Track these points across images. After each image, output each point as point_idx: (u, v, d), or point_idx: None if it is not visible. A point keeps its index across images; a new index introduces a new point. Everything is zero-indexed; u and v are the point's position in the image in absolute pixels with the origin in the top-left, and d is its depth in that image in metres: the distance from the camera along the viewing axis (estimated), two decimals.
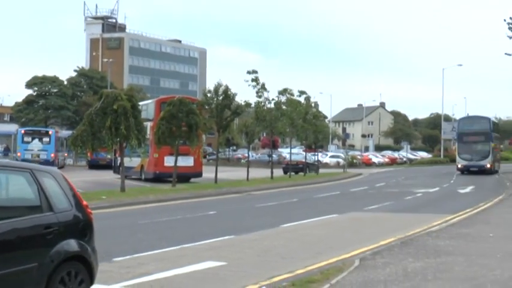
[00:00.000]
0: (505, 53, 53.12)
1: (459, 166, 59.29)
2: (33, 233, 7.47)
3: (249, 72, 42.10)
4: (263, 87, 42.44)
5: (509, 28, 51.84)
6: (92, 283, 8.28)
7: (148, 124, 36.83)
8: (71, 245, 7.94)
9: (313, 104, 52.46)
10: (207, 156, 57.93)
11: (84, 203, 8.69)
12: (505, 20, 51.34)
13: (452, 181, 45.14)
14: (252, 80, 41.71)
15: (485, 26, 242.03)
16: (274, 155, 56.82)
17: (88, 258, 8.17)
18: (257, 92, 42.66)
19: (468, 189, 37.75)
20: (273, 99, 44.72)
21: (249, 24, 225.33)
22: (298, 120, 47.71)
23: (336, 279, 10.50)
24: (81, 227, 8.37)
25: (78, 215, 8.35)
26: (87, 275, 8.12)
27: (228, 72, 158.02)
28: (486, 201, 27.77)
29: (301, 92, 48.81)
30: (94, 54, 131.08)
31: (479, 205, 26.01)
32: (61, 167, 57.10)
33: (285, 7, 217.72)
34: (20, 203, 7.84)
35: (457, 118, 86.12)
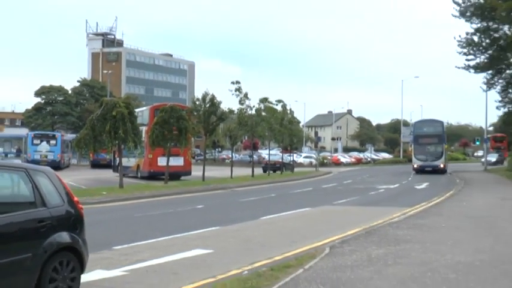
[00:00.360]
0: (455, 66, 53.58)
1: (415, 166, 55.87)
2: (27, 226, 7.51)
3: (232, 83, 42.14)
4: (245, 96, 42.56)
5: (459, 45, 52.35)
6: (82, 271, 8.39)
7: (144, 128, 36.72)
8: (63, 237, 7.98)
9: (288, 111, 52.57)
10: (196, 157, 57.79)
11: (75, 199, 8.70)
12: (454, 38, 51.84)
13: (410, 178, 45.61)
14: (236, 90, 41.79)
15: (439, 42, 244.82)
16: (254, 156, 56.82)
17: (79, 248, 8.23)
18: (240, 100, 42.72)
19: (424, 185, 37.96)
20: (254, 106, 44.77)
21: (231, 40, 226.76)
22: (276, 125, 47.92)
23: (309, 265, 10.64)
24: (72, 221, 8.36)
25: (69, 210, 8.36)
26: (78, 264, 8.18)
27: (213, 82, 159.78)
28: (439, 196, 27.94)
29: (278, 101, 49.03)
30: (95, 66, 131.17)
31: (433, 199, 26.16)
32: (66, 167, 57.38)
33: (262, 25, 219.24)
34: (16, 199, 7.89)
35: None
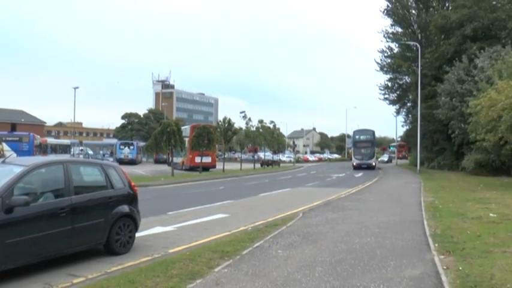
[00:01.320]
0: (379, 98, 54.75)
1: (354, 164, 48.90)
2: (101, 202, 7.51)
3: (241, 112, 42.98)
4: (249, 119, 43.11)
5: (379, 88, 54.38)
6: (136, 230, 8.27)
7: (187, 139, 36.44)
8: (124, 208, 7.90)
9: (277, 128, 52.56)
10: (219, 156, 57.54)
11: (133, 184, 8.47)
12: (377, 85, 52.94)
13: (351, 171, 45.12)
14: (243, 116, 42.42)
15: (369, 84, 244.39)
16: (255, 156, 56.56)
17: (134, 216, 8.11)
18: (246, 122, 43.32)
19: (360, 174, 37.65)
20: (254, 125, 45.04)
21: (240, 83, 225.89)
22: (268, 137, 48.00)
23: (289, 223, 10.59)
24: (130, 198, 8.17)
25: (129, 191, 8.20)
26: (133, 226, 8.10)
27: (229, 110, 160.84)
28: (369, 181, 27.78)
29: (271, 121, 49.83)
30: (157, 101, 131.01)
31: (365, 183, 25.99)
32: (139, 163, 57.05)
33: (262, 75, 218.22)
34: (95, 184, 7.77)
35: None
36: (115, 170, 8.26)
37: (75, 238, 6.92)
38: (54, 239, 6.59)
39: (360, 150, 50.01)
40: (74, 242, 6.93)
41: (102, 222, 7.38)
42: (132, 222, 8.06)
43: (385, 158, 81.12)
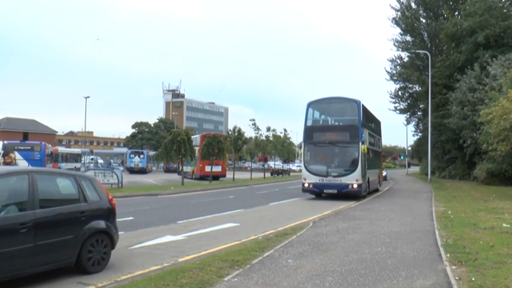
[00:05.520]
0: (388, 109, 54.85)
1: (306, 185, 33.16)
2: (71, 216, 6.86)
3: (251, 120, 42.47)
4: (258, 128, 42.46)
5: (390, 96, 54.54)
6: (113, 247, 7.55)
7: (197, 148, 36.56)
8: (99, 223, 7.23)
9: (288, 136, 52.53)
10: (229, 166, 57.65)
11: (110, 197, 7.80)
12: (387, 92, 53.31)
13: None
14: (253, 124, 41.82)
15: (380, 94, 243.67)
16: (265, 165, 56.55)
17: (110, 232, 7.41)
18: (255, 130, 42.62)
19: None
20: (263, 133, 44.34)
21: (248, 92, 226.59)
22: (279, 146, 47.88)
23: (300, 233, 10.54)
24: (106, 212, 7.49)
25: (105, 205, 7.52)
26: (109, 242, 7.38)
27: (238, 119, 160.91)
28: (380, 191, 27.37)
29: (284, 130, 49.91)
30: (167, 110, 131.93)
31: (375, 193, 25.52)
32: (150, 171, 57.27)
33: (270, 80, 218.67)
34: (65, 196, 7.13)
35: None
36: (90, 182, 7.60)
37: (38, 256, 6.27)
38: (13, 258, 5.95)
39: (322, 152, 21.78)
40: (38, 260, 6.28)
41: (71, 239, 6.72)
42: (107, 238, 7.37)
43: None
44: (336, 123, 23.07)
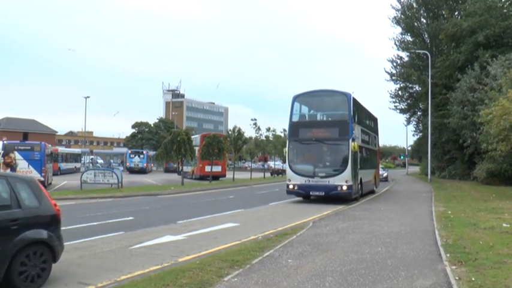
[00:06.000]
0: (389, 108, 54.54)
1: (290, 186, 21.86)
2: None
3: (252, 119, 42.17)
4: (259, 128, 42.29)
5: (390, 96, 54.35)
6: (55, 261, 6.50)
7: (197, 148, 36.57)
8: (38, 233, 6.20)
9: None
10: (229, 166, 57.60)
11: (53, 202, 6.72)
12: (387, 91, 52.90)
13: None
14: (254, 124, 41.63)
15: (380, 95, 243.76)
16: (265, 165, 56.51)
17: (51, 243, 6.34)
18: (256, 130, 42.47)
19: None
20: (264, 133, 44.44)
21: (248, 92, 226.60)
22: (279, 146, 47.78)
23: (299, 233, 10.55)
24: (48, 220, 6.46)
25: (45, 211, 6.46)
26: (49, 255, 6.32)
27: (237, 118, 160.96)
28: (379, 191, 27.36)
29: (284, 130, 49.39)
30: (167, 110, 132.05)
31: (375, 193, 25.62)
32: (150, 171, 57.24)
33: (270, 80, 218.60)
34: None
35: None
36: (28, 185, 6.49)
37: None
38: None
39: (309, 150, 20.12)
40: None
41: None
42: (47, 250, 6.31)
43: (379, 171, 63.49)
44: (324, 119, 20.96)
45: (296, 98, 20.40)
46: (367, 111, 25.03)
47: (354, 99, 20.13)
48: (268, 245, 9.04)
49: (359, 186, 20.54)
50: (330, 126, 19.95)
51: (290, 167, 19.81)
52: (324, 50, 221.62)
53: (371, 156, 25.44)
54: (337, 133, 19.25)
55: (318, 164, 19.43)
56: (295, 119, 20.32)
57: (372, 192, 24.89)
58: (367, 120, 24.82)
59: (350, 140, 18.72)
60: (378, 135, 28.80)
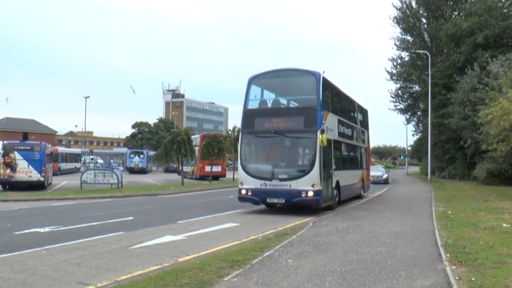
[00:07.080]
0: (388, 108, 54.58)
1: (243, 192, 16.83)
2: None
3: None
4: None
5: (391, 96, 54.03)
6: None
7: (197, 148, 36.57)
8: None
9: None
10: (229, 166, 57.53)
11: None
12: (388, 91, 52.46)
13: None
14: None
15: (380, 95, 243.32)
16: None
17: None
18: None
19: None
20: None
21: None
22: None
23: (299, 233, 10.55)
24: None
25: None
26: None
27: (238, 119, 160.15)
28: (379, 191, 27.47)
29: None
30: (167, 110, 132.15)
31: (375, 193, 25.70)
32: (150, 171, 57.30)
33: None
34: None
35: None
36: None
37: None
38: None
39: (266, 145, 15.95)
40: None
41: None
42: None
43: (378, 172, 40.70)
44: (286, 105, 16.78)
45: (252, 80, 16.11)
46: (349, 98, 20.49)
47: (326, 81, 15.70)
48: (268, 245, 9.03)
49: (334, 191, 16.17)
50: (293, 115, 15.73)
51: (242, 166, 15.42)
52: (323, 50, 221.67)
53: (356, 154, 21.07)
54: (302, 123, 14.96)
55: (278, 163, 15.29)
56: (251, 105, 15.99)
57: (358, 197, 21.23)
58: (349, 110, 20.58)
59: (318, 132, 14.35)
60: (367, 129, 24.36)
